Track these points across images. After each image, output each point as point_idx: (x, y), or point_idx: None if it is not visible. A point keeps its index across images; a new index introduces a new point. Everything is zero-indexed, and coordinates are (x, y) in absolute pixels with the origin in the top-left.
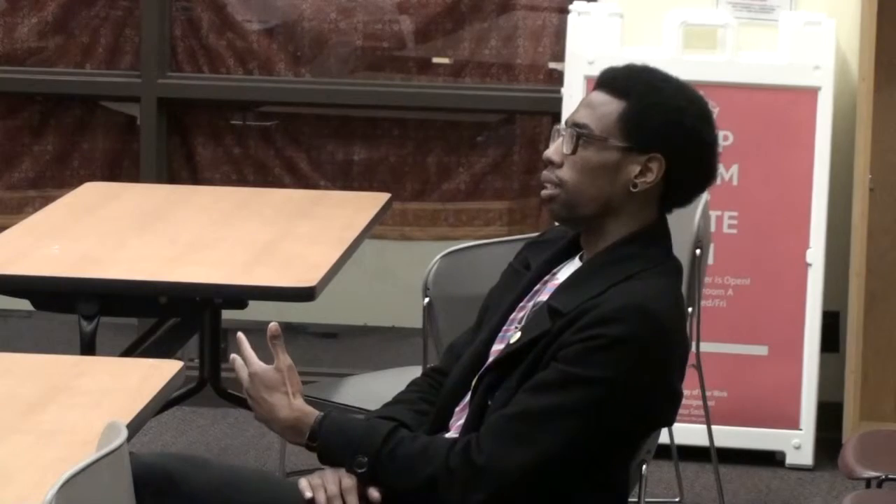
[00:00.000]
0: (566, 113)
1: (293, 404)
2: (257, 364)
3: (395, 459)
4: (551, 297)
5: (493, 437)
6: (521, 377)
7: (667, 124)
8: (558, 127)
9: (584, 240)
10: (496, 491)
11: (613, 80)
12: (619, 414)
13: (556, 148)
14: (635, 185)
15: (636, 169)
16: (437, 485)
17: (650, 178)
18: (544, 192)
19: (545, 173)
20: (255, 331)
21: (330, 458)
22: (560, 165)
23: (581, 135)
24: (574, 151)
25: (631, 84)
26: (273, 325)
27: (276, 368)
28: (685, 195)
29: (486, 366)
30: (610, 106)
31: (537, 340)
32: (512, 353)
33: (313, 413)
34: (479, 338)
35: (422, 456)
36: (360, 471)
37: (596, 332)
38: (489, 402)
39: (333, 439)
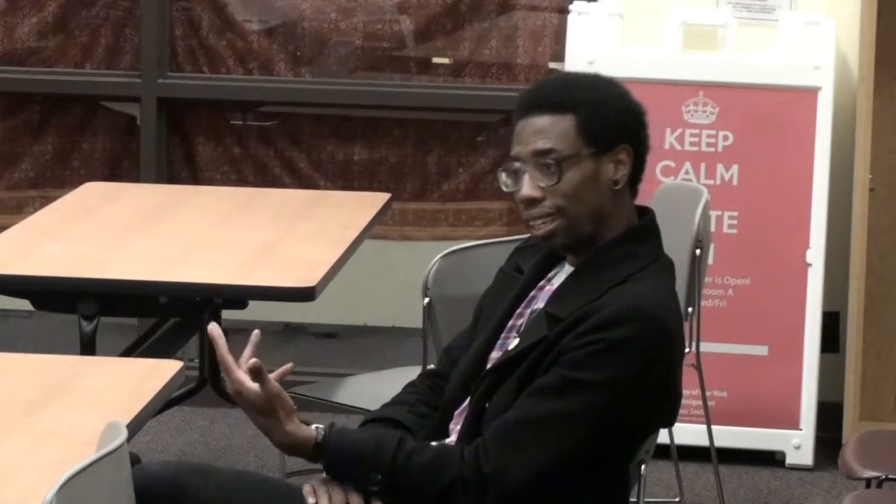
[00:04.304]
0: None
1: (287, 430)
2: (242, 383)
3: (409, 472)
4: (547, 303)
5: (498, 444)
6: (518, 381)
7: (621, 116)
8: (514, 167)
9: (576, 252)
10: (504, 497)
11: (551, 99)
12: (623, 416)
13: (531, 185)
14: (617, 183)
15: (611, 168)
16: (453, 495)
17: (624, 169)
18: (541, 231)
19: (532, 213)
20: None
21: (339, 477)
22: (543, 199)
23: (558, 161)
24: (559, 180)
25: (573, 95)
26: (253, 361)
27: (264, 394)
28: (641, 171)
29: (484, 372)
30: (561, 123)
31: (534, 346)
32: (509, 359)
33: (311, 437)
34: (476, 343)
35: (434, 466)
36: (373, 488)
37: (597, 337)
38: (486, 406)
39: (340, 459)
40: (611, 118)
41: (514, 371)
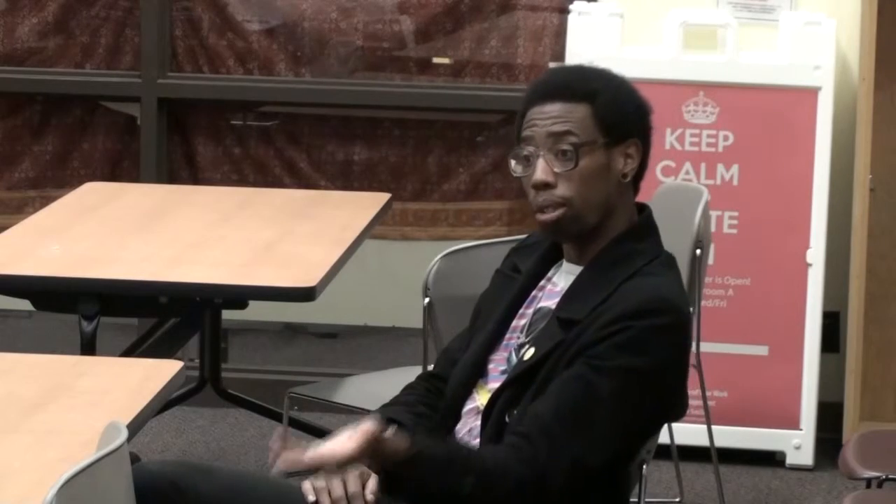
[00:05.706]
0: None
1: (393, 449)
2: (341, 453)
3: (491, 477)
4: (558, 308)
5: (542, 441)
6: (537, 390)
7: (634, 109)
8: (526, 151)
9: (577, 248)
10: (558, 492)
11: (567, 87)
12: (647, 406)
13: (545, 169)
14: (625, 176)
15: (621, 161)
16: (521, 496)
17: (633, 163)
18: (547, 217)
19: (542, 197)
20: (256, 331)
21: (430, 484)
22: (555, 185)
23: (576, 146)
24: (577, 165)
25: (589, 85)
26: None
27: (368, 440)
28: (645, 168)
29: (502, 384)
30: (578, 111)
31: (550, 353)
32: (525, 369)
33: (405, 448)
34: (476, 344)
35: (498, 470)
36: (464, 492)
37: (622, 326)
38: (507, 419)
39: (435, 467)
40: (625, 110)
41: (531, 381)
